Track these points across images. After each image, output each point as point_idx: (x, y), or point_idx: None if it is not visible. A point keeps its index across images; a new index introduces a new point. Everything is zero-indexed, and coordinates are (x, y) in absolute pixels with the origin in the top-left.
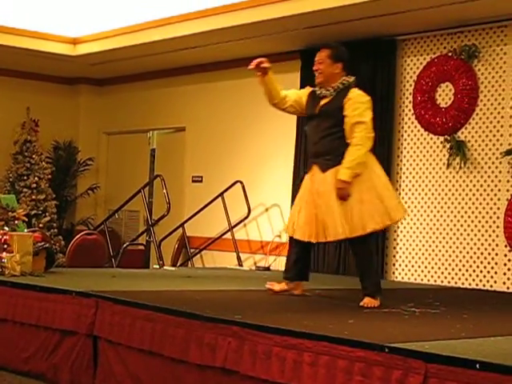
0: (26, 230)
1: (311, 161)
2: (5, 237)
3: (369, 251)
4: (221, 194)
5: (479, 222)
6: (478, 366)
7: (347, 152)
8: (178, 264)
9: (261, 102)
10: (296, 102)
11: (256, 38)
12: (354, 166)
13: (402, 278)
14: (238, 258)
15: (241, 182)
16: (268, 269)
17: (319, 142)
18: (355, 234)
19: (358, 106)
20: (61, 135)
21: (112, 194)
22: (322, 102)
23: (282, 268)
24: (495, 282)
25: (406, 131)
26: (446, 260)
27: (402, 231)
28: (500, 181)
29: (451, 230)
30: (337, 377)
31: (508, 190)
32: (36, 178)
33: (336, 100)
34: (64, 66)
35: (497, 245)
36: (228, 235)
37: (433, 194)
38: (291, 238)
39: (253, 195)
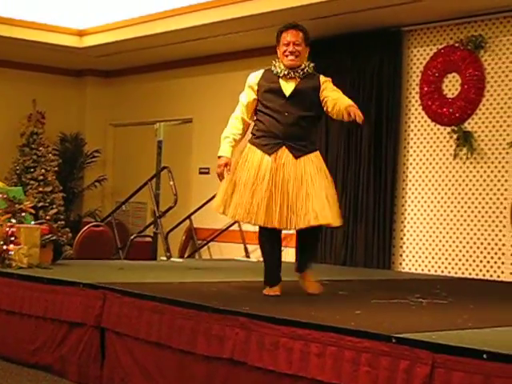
0: (33, 223)
1: (277, 142)
2: (12, 229)
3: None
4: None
5: (486, 212)
6: (484, 355)
7: (337, 95)
8: (186, 256)
9: None
10: (252, 106)
11: (262, 29)
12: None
13: (410, 268)
14: (246, 250)
15: None
16: None
17: (294, 125)
18: (333, 221)
19: (336, 89)
20: (67, 127)
21: (119, 185)
22: (291, 83)
23: (290, 259)
24: (502, 272)
25: (412, 122)
26: (453, 250)
27: (408, 222)
28: (507, 171)
29: (458, 220)
30: (344, 367)
31: None
32: (43, 170)
33: (308, 83)
34: (70, 58)
35: (504, 235)
36: (235, 226)
37: (440, 185)
38: (264, 232)
39: None
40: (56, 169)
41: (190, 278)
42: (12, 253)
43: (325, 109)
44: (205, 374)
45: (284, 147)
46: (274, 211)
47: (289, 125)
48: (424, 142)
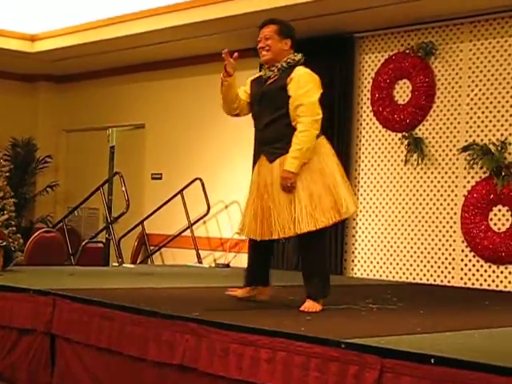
0: None
1: (259, 149)
2: None
3: (321, 249)
4: (180, 191)
5: (437, 218)
6: (432, 360)
7: (293, 139)
8: (138, 262)
9: (220, 100)
10: (246, 97)
11: (216, 34)
12: (300, 156)
13: (361, 274)
14: (198, 256)
15: (200, 180)
16: (228, 266)
17: (265, 129)
18: (305, 230)
19: (302, 86)
20: (19, 132)
21: (71, 191)
22: (266, 83)
23: (242, 265)
24: (453, 277)
25: (364, 128)
26: (405, 256)
27: (360, 227)
28: (457, 177)
29: (409, 226)
30: (294, 373)
31: (465, 186)
32: None
33: (279, 80)
34: (22, 63)
35: (454, 240)
36: (188, 232)
37: (391, 191)
38: (248, 241)
39: (212, 192)
40: (7, 174)
41: (142, 284)
42: None
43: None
44: (155, 379)
45: (263, 154)
46: (255, 222)
47: (262, 130)
48: (375, 148)
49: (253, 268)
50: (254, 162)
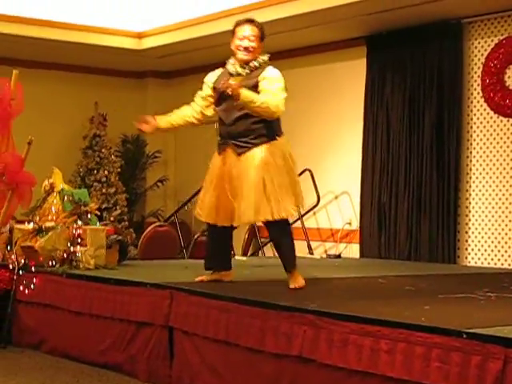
0: (98, 224)
1: (224, 141)
2: (78, 231)
3: (289, 234)
4: None
5: None
6: None
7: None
8: (249, 254)
9: (326, 89)
10: (206, 101)
11: (322, 25)
12: (253, 101)
13: (475, 262)
14: (309, 247)
15: (309, 170)
16: (339, 256)
17: (234, 124)
18: (275, 217)
19: (272, 84)
20: (129, 129)
21: (181, 185)
22: (237, 80)
23: (353, 255)
24: None
25: (475, 115)
26: None
27: (473, 215)
28: None
29: None
30: (414, 363)
31: None
32: (106, 172)
33: (250, 78)
34: (130, 60)
35: None
36: (298, 224)
37: (504, 177)
38: (207, 225)
39: (322, 183)
40: (118, 170)
41: (255, 276)
42: (79, 254)
43: None
44: (273, 371)
45: (229, 146)
46: (217, 209)
47: (230, 123)
48: (487, 135)
49: (215, 253)
50: (219, 153)
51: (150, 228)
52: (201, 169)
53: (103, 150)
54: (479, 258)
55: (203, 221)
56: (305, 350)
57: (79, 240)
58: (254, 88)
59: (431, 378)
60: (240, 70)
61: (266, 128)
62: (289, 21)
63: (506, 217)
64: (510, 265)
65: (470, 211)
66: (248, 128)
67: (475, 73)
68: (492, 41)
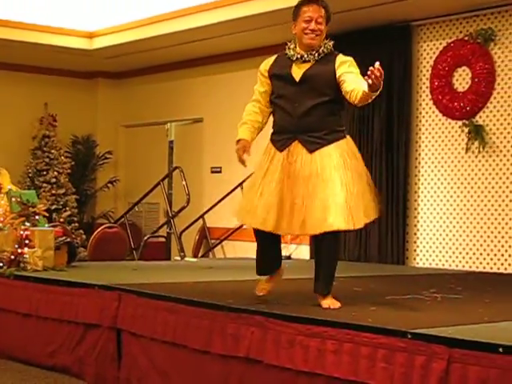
0: (46, 225)
1: (290, 136)
2: (26, 232)
3: (338, 249)
4: (240, 184)
5: (499, 205)
6: (501, 349)
7: (359, 79)
8: (199, 255)
9: None
10: (268, 95)
11: (270, 27)
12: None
13: (424, 263)
14: None
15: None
16: (289, 257)
17: (308, 115)
18: (349, 227)
19: (356, 67)
20: (79, 129)
21: (131, 186)
22: (303, 66)
23: (304, 257)
24: None
25: (423, 116)
26: (467, 244)
27: (422, 217)
28: None
29: (471, 214)
30: (360, 364)
31: None
32: (55, 173)
33: (322, 65)
34: (81, 60)
35: None
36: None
37: (452, 179)
38: (255, 230)
39: None
40: (68, 171)
41: (205, 277)
42: (27, 256)
43: (342, 91)
44: (221, 372)
45: (297, 141)
46: (278, 214)
47: (300, 116)
48: (436, 137)
49: (267, 260)
50: (280, 149)
51: (99, 229)
52: (152, 170)
53: (53, 151)
54: (427, 259)
55: (253, 227)
56: (252, 351)
57: (27, 241)
58: (331, 72)
59: (377, 379)
60: (308, 56)
61: (336, 122)
62: (238, 23)
63: (454, 218)
64: (457, 266)
65: (418, 213)
66: (321, 120)
67: (424, 75)
68: (440, 44)
